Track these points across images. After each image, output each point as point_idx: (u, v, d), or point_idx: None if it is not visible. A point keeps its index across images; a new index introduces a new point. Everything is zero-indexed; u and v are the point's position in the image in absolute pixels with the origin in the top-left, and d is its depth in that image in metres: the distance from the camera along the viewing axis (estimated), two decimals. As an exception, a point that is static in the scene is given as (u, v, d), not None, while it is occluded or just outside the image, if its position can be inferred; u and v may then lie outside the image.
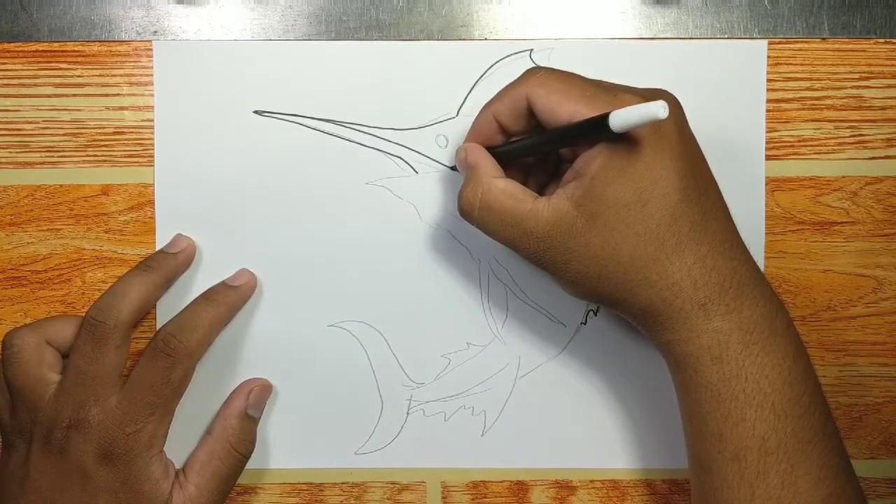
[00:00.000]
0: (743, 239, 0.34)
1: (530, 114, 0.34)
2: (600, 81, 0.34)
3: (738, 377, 0.32)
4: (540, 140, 0.34)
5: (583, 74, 0.34)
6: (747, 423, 0.32)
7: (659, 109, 0.28)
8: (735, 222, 0.33)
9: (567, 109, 0.32)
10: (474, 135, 0.37)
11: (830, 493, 0.32)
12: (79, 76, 0.40)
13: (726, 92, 0.40)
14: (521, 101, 0.34)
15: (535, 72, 0.34)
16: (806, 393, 0.33)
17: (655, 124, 0.31)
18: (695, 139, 0.34)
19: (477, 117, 0.36)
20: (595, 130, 0.31)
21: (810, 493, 0.32)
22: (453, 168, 0.40)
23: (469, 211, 0.35)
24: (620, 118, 0.29)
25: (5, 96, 0.40)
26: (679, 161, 0.32)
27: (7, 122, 0.40)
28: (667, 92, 0.34)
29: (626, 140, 0.31)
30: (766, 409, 0.32)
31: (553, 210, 0.32)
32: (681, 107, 0.34)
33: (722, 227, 0.33)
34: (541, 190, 0.37)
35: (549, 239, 0.33)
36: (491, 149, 0.36)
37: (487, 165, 0.35)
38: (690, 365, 0.33)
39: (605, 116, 0.30)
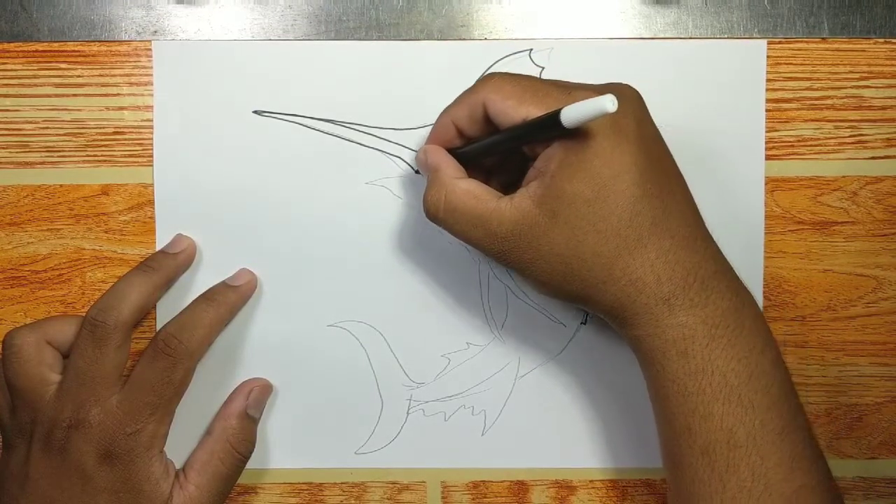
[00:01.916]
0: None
1: (487, 119, 0.34)
2: (556, 81, 0.34)
3: (704, 371, 0.32)
4: (497, 140, 0.34)
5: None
6: (715, 416, 0.32)
7: (607, 103, 0.28)
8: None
9: (521, 113, 0.33)
10: (434, 139, 0.37)
11: (803, 485, 0.32)
12: (79, 76, 0.40)
13: (726, 92, 0.40)
14: (478, 108, 0.34)
15: (491, 78, 0.34)
16: (774, 385, 0.33)
17: (613, 120, 0.31)
18: (657, 132, 0.34)
19: (436, 122, 0.37)
20: (549, 128, 0.31)
21: (782, 485, 0.32)
22: (417, 171, 0.40)
23: (434, 213, 0.35)
24: (571, 113, 0.29)
25: (5, 96, 0.40)
26: (638, 156, 0.32)
27: (7, 122, 0.40)
28: (627, 86, 0.34)
29: (584, 137, 0.31)
30: (733, 402, 0.32)
31: (516, 209, 0.33)
32: (641, 100, 0.34)
33: (686, 221, 0.33)
34: (505, 190, 0.37)
35: (514, 238, 0.33)
36: (450, 150, 0.36)
37: (449, 167, 0.35)
38: (657, 360, 0.33)
39: (558, 113, 0.30)
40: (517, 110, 0.33)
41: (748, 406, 0.32)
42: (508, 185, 0.37)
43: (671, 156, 0.34)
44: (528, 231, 0.32)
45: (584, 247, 0.32)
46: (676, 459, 0.33)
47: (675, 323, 0.32)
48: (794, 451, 0.32)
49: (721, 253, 0.34)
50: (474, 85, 0.35)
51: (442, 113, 0.36)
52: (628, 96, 0.33)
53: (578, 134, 0.31)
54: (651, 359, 0.33)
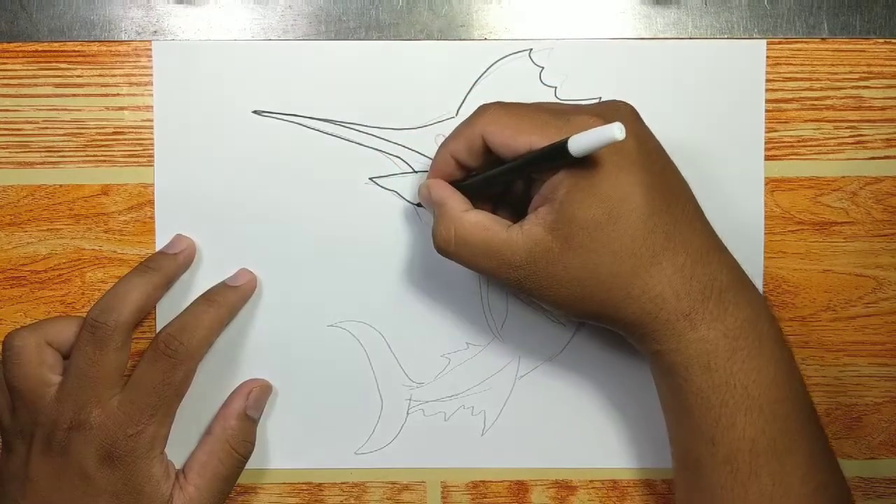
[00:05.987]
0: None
1: (487, 150, 0.34)
2: (551, 106, 0.34)
3: (727, 384, 0.32)
4: (503, 170, 0.34)
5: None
6: (737, 427, 0.32)
7: (616, 132, 0.29)
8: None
9: (522, 142, 0.33)
10: (434, 173, 0.37)
11: (819, 485, 0.33)
12: (79, 76, 0.40)
13: (726, 92, 0.40)
14: (477, 140, 0.34)
15: (487, 109, 0.34)
16: (792, 391, 0.33)
17: None
18: (658, 146, 0.34)
19: (435, 156, 0.37)
20: (556, 156, 0.31)
21: (800, 487, 0.32)
22: (417, 205, 0.40)
23: (446, 248, 0.35)
24: (579, 143, 0.30)
25: (5, 96, 0.40)
26: (642, 174, 0.32)
27: (7, 122, 0.40)
28: (622, 103, 0.34)
29: (589, 162, 0.32)
30: (754, 412, 0.32)
31: (528, 237, 0.33)
32: (637, 116, 0.34)
33: (697, 233, 0.33)
34: (512, 218, 0.37)
35: (528, 266, 0.33)
36: (454, 183, 0.36)
37: (455, 200, 0.35)
38: (679, 374, 0.33)
39: (564, 143, 0.30)
40: (517, 140, 0.33)
41: (769, 415, 0.32)
42: (514, 212, 0.37)
43: (675, 167, 0.34)
44: (541, 257, 0.33)
45: (600, 269, 0.32)
46: (696, 468, 0.34)
47: (697, 338, 0.32)
48: (811, 451, 0.33)
49: (735, 261, 0.34)
50: (470, 117, 0.35)
51: (440, 147, 0.36)
52: (625, 114, 0.33)
53: (584, 159, 0.31)
54: (673, 373, 0.33)
